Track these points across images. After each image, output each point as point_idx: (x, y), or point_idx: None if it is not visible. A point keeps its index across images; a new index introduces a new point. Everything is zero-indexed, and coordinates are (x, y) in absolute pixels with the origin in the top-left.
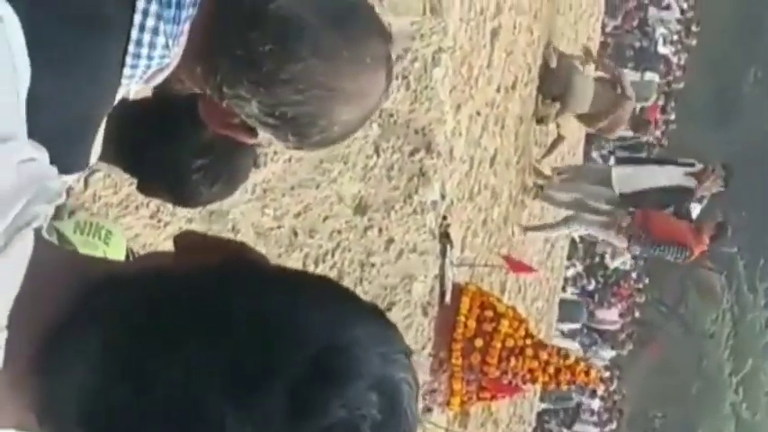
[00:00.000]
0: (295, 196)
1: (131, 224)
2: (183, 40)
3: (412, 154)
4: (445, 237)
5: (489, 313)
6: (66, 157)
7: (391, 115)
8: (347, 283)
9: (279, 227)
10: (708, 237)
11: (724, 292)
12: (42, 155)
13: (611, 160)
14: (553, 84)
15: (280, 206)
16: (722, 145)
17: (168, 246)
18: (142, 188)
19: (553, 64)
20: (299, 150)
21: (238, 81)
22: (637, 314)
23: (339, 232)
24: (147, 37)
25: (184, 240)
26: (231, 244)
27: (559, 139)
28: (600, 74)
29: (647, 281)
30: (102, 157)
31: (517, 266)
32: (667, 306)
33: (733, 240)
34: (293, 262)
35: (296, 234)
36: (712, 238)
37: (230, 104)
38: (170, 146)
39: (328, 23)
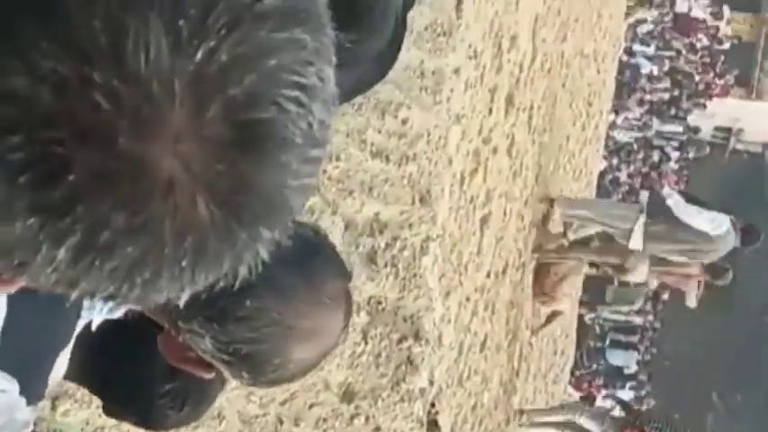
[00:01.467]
0: None
1: None
2: None
3: (400, 341)
4: (433, 424)
5: None
6: (24, 389)
7: (379, 303)
8: None
9: (264, 414)
10: None
11: None
12: (13, 386)
13: (607, 341)
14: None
15: (265, 393)
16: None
17: None
18: (107, 411)
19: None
20: (253, 387)
21: (193, 317)
22: None
23: (325, 420)
24: None
25: None
26: None
27: (556, 313)
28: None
29: None
30: (67, 376)
31: None
32: None
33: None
34: None
35: (281, 422)
36: None
37: (186, 339)
38: (136, 369)
39: (287, 261)
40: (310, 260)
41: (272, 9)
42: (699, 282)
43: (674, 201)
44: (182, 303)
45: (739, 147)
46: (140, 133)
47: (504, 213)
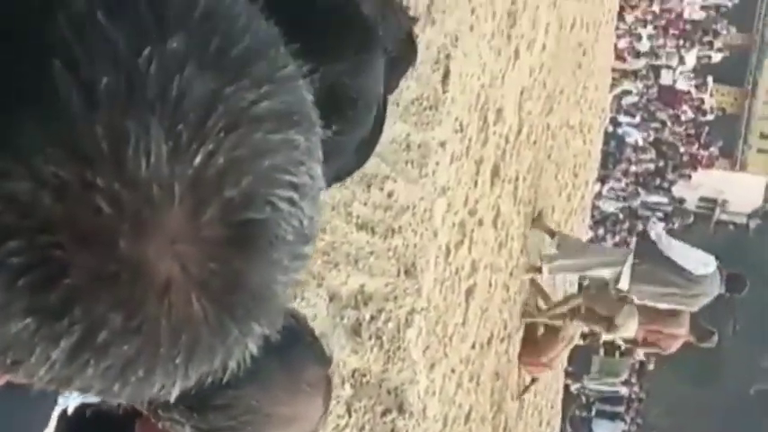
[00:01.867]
0: None
1: None
2: None
3: (384, 414)
4: None
5: None
6: None
7: (364, 375)
8: None
9: None
10: None
11: None
12: None
13: (593, 411)
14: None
15: None
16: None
17: None
18: None
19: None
20: None
21: (173, 405)
22: None
23: None
24: None
25: None
26: None
27: (534, 380)
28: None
29: None
30: None
31: None
32: None
33: None
34: None
35: None
36: None
37: (165, 426)
38: None
39: (266, 349)
40: (289, 347)
41: (268, 111)
42: (685, 342)
43: (657, 233)
44: (172, 398)
45: (724, 217)
46: (140, 236)
47: (490, 284)
